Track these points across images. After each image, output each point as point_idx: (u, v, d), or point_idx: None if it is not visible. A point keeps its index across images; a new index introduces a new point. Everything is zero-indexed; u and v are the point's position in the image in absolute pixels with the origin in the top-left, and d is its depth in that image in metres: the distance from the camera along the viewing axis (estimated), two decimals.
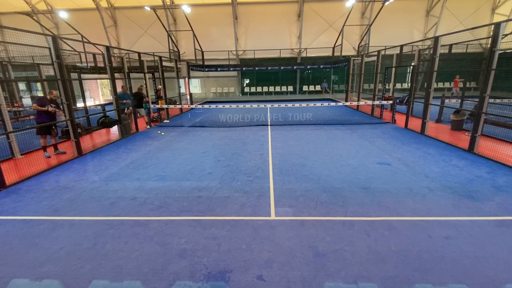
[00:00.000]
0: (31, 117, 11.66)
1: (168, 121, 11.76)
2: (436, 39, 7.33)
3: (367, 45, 18.38)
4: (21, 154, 6.40)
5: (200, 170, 5.32)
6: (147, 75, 11.52)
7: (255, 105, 11.06)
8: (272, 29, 22.08)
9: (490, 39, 5.67)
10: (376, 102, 10.78)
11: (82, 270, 2.60)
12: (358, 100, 13.17)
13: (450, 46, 9.61)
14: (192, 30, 18.02)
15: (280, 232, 3.17)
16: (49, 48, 6.00)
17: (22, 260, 2.77)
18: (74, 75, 14.10)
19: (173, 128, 10.05)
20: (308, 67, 20.67)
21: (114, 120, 8.74)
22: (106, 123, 9.32)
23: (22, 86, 15.79)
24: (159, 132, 9.04)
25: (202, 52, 19.69)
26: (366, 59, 14.54)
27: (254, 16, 21.85)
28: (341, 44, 18.51)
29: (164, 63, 13.85)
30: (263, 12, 21.72)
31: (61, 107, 6.38)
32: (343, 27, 18.53)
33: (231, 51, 22.42)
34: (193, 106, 12.40)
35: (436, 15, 20.91)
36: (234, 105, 11.20)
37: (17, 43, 6.66)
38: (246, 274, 2.51)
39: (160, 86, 12.23)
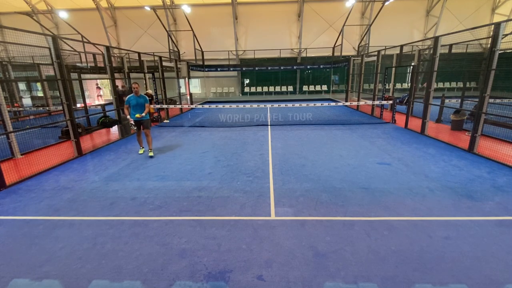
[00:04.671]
0: (31, 117, 11.68)
1: (168, 121, 11.76)
2: (436, 39, 7.33)
3: (367, 45, 18.37)
4: (21, 154, 6.40)
5: (200, 170, 5.32)
6: (147, 75, 11.54)
7: (255, 105, 11.06)
8: (272, 29, 22.08)
9: (490, 39, 5.67)
10: (376, 102, 10.78)
11: (82, 270, 2.60)
12: (358, 100, 13.17)
13: (450, 46, 9.60)
14: (192, 30, 18.01)
15: (280, 232, 3.17)
16: (49, 48, 6.00)
17: (22, 260, 2.77)
18: (74, 75, 14.11)
19: (173, 128, 10.05)
20: (308, 67, 20.68)
21: (114, 120, 8.73)
22: (106, 123, 9.33)
23: (22, 86, 15.81)
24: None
25: (202, 52, 19.69)
26: (366, 59, 14.54)
27: (254, 16, 21.85)
28: (341, 44, 18.51)
29: (164, 63, 13.86)
30: (263, 12, 21.72)
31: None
32: (343, 27, 18.53)
33: (231, 51, 22.42)
34: (193, 106, 12.41)
35: (436, 15, 20.92)
36: (234, 105, 11.19)
37: (17, 43, 6.67)
38: (246, 274, 2.51)
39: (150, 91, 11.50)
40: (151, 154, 6.28)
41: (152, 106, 10.70)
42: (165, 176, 5.02)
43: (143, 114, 6.13)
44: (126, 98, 6.20)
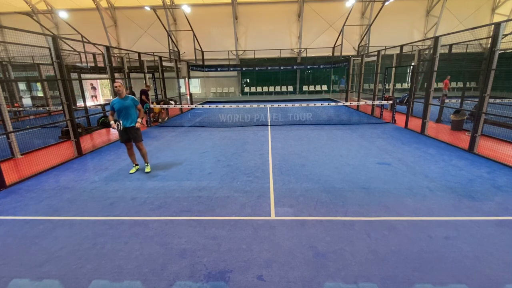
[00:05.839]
0: (31, 117, 11.69)
1: (167, 120, 11.75)
2: (436, 39, 7.33)
3: (367, 45, 18.38)
4: (21, 154, 6.40)
5: (200, 170, 5.32)
6: (147, 75, 11.54)
7: (255, 105, 11.06)
8: (272, 29, 22.08)
9: (490, 39, 5.67)
10: (376, 102, 10.78)
11: (82, 270, 2.60)
12: (358, 100, 13.17)
13: (450, 46, 9.60)
14: (192, 30, 18.02)
15: (280, 232, 3.17)
16: (49, 48, 6.00)
17: (22, 260, 2.77)
18: (74, 75, 14.12)
19: (173, 128, 10.04)
20: (308, 67, 20.68)
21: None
22: (106, 123, 9.33)
23: (22, 86, 15.81)
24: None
25: (202, 52, 19.70)
26: (366, 59, 14.54)
27: (254, 16, 21.85)
28: (341, 44, 18.51)
29: (164, 63, 13.87)
30: (263, 12, 21.72)
31: None
32: (343, 27, 18.53)
33: (231, 51, 22.42)
34: (193, 106, 12.41)
35: (436, 15, 20.92)
36: (234, 105, 11.20)
37: (17, 43, 6.67)
38: (246, 274, 2.51)
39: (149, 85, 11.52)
40: (148, 169, 5.24)
41: (157, 106, 10.70)
42: (165, 176, 5.02)
43: (139, 120, 5.04)
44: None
